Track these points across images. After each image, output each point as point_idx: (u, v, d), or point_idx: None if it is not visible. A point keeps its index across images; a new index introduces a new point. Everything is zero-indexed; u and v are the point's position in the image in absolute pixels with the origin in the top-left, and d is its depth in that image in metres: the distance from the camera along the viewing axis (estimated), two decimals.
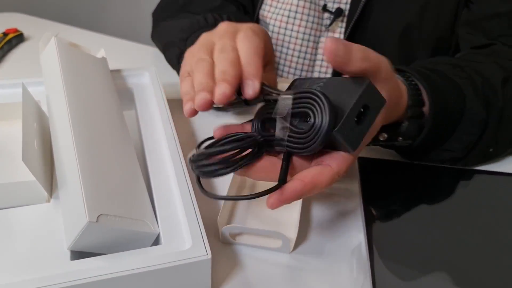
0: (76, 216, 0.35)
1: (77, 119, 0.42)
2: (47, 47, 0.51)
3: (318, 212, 0.47)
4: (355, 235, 0.44)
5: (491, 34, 0.60)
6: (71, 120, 0.42)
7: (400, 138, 0.48)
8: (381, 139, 0.48)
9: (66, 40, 0.53)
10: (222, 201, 0.45)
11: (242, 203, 0.47)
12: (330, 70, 0.72)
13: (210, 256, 0.35)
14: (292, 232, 0.43)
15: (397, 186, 0.49)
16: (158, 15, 0.74)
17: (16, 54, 0.74)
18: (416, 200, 0.47)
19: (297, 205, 0.45)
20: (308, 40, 0.71)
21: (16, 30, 0.77)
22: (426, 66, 0.53)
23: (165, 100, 0.53)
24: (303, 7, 0.69)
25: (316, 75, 0.73)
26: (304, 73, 0.73)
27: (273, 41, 0.73)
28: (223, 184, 0.48)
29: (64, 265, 0.34)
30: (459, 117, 0.49)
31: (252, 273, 0.40)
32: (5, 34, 0.75)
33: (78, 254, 0.36)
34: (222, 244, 0.43)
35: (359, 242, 0.43)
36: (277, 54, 0.74)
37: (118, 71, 0.58)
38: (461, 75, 0.51)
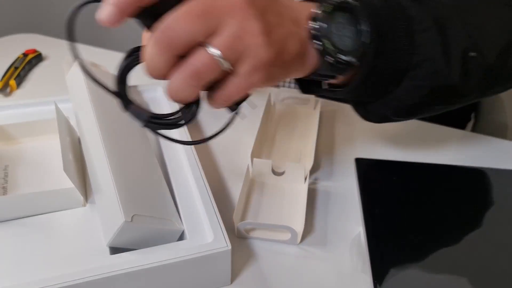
0: (113, 217, 0.40)
1: (105, 132, 0.48)
2: (72, 69, 0.57)
3: (322, 207, 0.52)
4: (355, 227, 0.49)
5: None
6: (101, 133, 0.47)
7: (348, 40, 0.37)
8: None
9: (87, 61, 0.59)
10: (237, 200, 0.50)
11: (254, 202, 0.52)
12: None
13: (230, 247, 0.41)
14: (299, 226, 0.48)
15: (392, 184, 0.54)
16: None
17: (36, 74, 0.79)
18: (409, 196, 0.52)
19: (303, 202, 0.50)
20: None
21: (35, 51, 0.82)
22: None
23: None
24: None
25: None
26: None
27: None
28: (236, 185, 0.54)
29: (104, 259, 0.40)
30: (401, 14, 0.40)
31: (265, 263, 0.46)
32: (25, 54, 0.80)
33: (114, 250, 0.41)
34: (238, 239, 0.48)
35: (358, 233, 0.48)
36: None
37: (134, 86, 0.64)
38: None
